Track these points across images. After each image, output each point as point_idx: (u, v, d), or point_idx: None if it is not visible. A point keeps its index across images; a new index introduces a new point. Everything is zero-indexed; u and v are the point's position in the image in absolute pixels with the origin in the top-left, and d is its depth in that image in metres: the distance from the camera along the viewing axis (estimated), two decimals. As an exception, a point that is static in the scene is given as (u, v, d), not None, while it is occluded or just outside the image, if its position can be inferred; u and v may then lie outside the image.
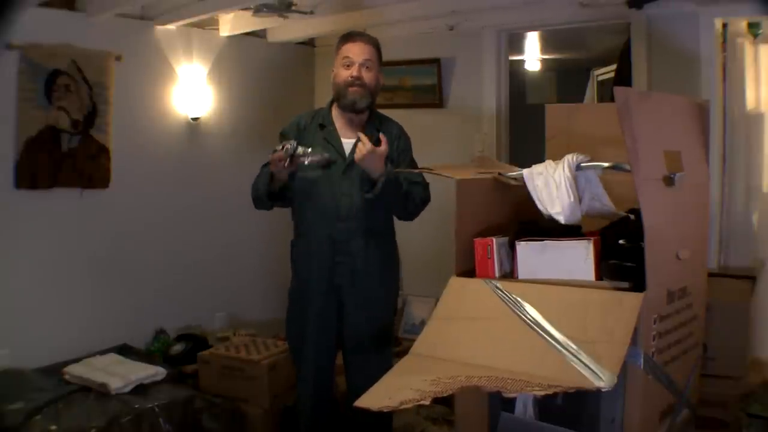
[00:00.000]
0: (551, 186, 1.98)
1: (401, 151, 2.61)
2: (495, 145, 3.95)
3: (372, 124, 2.59)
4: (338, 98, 2.56)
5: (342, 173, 2.49)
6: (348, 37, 2.54)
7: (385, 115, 2.70)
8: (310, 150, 2.34)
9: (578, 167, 1.99)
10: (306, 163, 2.33)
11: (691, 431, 2.09)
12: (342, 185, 2.49)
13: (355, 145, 2.46)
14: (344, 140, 2.54)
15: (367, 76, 2.51)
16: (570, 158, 1.99)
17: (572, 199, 1.94)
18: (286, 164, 2.32)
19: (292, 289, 2.66)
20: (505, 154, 4.01)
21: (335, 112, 2.61)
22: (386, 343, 2.65)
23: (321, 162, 2.37)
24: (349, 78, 2.49)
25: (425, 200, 2.60)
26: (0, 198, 3.10)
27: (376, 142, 2.43)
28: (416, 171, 2.48)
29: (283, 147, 2.31)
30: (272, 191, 2.47)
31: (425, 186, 2.59)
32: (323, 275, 2.53)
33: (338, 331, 2.59)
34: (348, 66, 2.51)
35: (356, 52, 2.50)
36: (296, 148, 2.32)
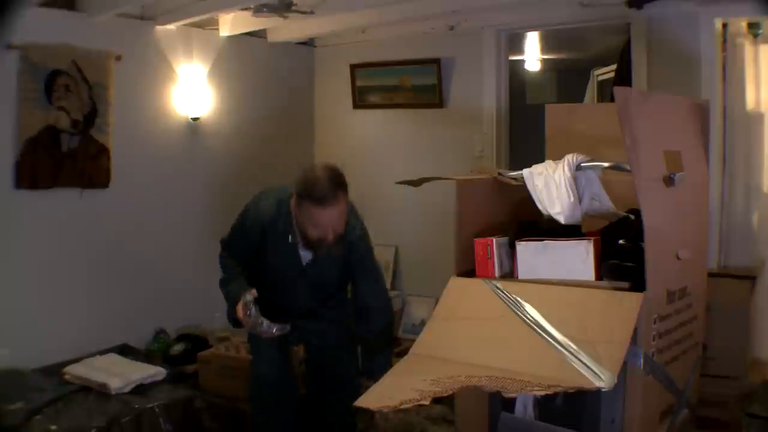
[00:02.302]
0: (551, 186, 1.98)
1: (359, 257, 2.50)
2: (495, 145, 3.95)
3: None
4: (307, 242, 2.38)
5: (298, 276, 2.49)
6: (320, 201, 2.23)
7: (349, 223, 2.43)
8: (275, 328, 2.33)
9: (578, 167, 1.99)
10: (264, 336, 2.37)
11: (691, 431, 2.09)
12: (298, 284, 2.51)
13: (312, 256, 2.45)
14: (302, 252, 2.46)
15: (339, 229, 2.32)
16: (570, 158, 1.99)
17: (572, 199, 1.94)
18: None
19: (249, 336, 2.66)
20: (505, 154, 4.02)
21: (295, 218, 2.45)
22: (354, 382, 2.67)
23: (283, 333, 2.38)
24: (323, 239, 2.31)
25: (392, 322, 2.67)
26: (0, 198, 3.10)
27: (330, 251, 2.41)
28: (416, 180, 2.42)
29: (249, 312, 2.32)
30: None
31: (388, 308, 2.61)
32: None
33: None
34: (320, 228, 2.29)
35: (330, 219, 2.27)
36: (261, 323, 2.32)
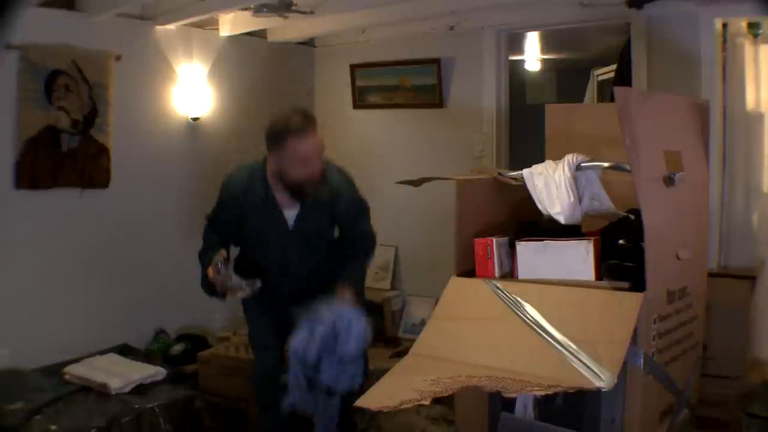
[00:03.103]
0: (551, 186, 1.98)
1: (342, 213, 2.54)
2: (495, 146, 3.95)
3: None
4: (294, 191, 2.41)
5: (286, 238, 2.50)
6: (300, 131, 2.29)
7: (330, 171, 2.50)
8: (244, 283, 2.33)
9: (578, 167, 1.99)
10: (239, 296, 2.37)
11: (691, 431, 2.09)
12: (287, 248, 2.52)
13: (297, 214, 2.47)
14: (285, 211, 2.49)
15: (319, 165, 2.38)
16: (570, 158, 1.99)
17: (572, 199, 1.94)
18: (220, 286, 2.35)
19: (245, 309, 2.70)
20: (505, 154, 4.02)
21: (273, 181, 2.46)
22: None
23: (254, 291, 2.37)
24: (309, 176, 2.36)
25: (374, 247, 2.65)
26: (0, 198, 3.10)
27: (323, 205, 2.46)
28: (416, 180, 2.40)
29: (218, 270, 2.32)
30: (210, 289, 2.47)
31: (369, 234, 2.62)
32: (274, 312, 2.59)
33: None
34: (304, 162, 2.32)
35: (313, 146, 2.32)
36: (230, 278, 2.32)
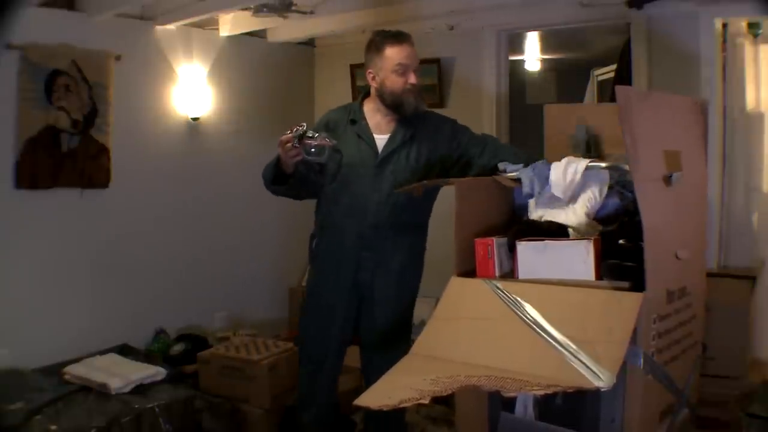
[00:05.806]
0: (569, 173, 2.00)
1: (451, 139, 2.52)
2: (495, 145, 3.95)
3: (402, 120, 2.50)
4: (395, 104, 2.45)
5: (374, 169, 2.46)
6: (397, 38, 2.42)
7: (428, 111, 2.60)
8: (318, 135, 2.25)
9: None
10: (313, 145, 2.24)
11: (691, 431, 2.09)
12: (374, 181, 2.45)
13: (388, 141, 2.47)
14: (376, 136, 2.49)
15: (416, 75, 2.45)
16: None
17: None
18: (294, 145, 2.26)
19: (312, 284, 2.62)
20: (505, 154, 4.01)
21: (368, 108, 2.54)
22: (403, 340, 2.63)
23: (328, 146, 2.25)
24: (409, 86, 2.42)
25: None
26: (0, 198, 3.10)
27: (409, 139, 2.46)
28: (415, 186, 2.33)
29: (292, 129, 2.27)
30: (277, 175, 2.42)
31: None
32: (348, 270, 2.50)
33: (355, 328, 2.59)
34: (402, 73, 2.41)
35: (409, 56, 2.42)
36: (306, 130, 2.25)
